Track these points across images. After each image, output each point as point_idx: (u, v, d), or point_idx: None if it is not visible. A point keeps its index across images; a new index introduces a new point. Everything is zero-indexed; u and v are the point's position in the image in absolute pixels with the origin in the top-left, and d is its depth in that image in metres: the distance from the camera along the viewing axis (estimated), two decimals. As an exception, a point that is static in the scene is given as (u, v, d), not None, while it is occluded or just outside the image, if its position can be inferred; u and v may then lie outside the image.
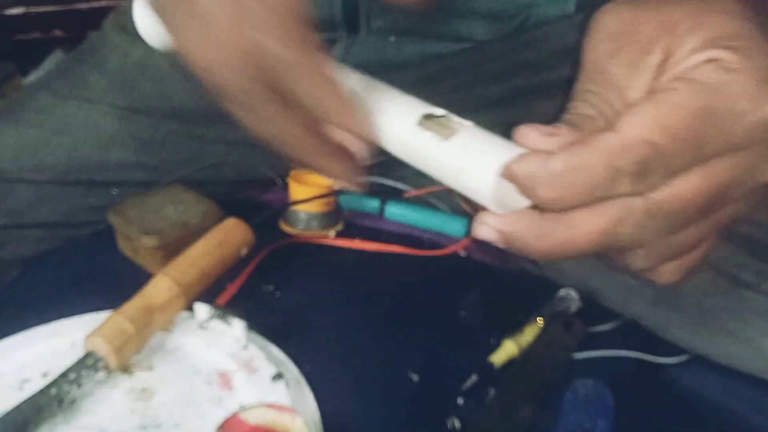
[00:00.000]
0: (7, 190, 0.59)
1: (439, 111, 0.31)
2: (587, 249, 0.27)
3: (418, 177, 0.67)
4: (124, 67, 0.63)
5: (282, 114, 0.32)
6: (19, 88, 1.30)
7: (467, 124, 0.30)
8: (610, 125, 0.26)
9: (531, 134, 0.28)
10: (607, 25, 0.30)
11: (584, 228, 0.27)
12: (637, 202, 0.26)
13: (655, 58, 0.29)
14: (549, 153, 0.26)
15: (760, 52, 0.27)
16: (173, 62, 0.62)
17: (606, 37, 0.30)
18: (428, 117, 0.31)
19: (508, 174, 0.27)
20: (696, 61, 0.27)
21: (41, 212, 0.59)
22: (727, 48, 0.27)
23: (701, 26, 0.28)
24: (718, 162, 0.27)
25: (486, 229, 0.28)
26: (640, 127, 0.26)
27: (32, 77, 1.23)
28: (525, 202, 0.28)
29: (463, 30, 0.57)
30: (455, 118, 0.31)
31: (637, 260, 0.29)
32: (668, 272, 0.30)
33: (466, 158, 0.29)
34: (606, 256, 0.30)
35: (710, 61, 0.27)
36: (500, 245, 0.28)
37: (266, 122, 0.32)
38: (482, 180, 0.28)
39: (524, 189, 0.27)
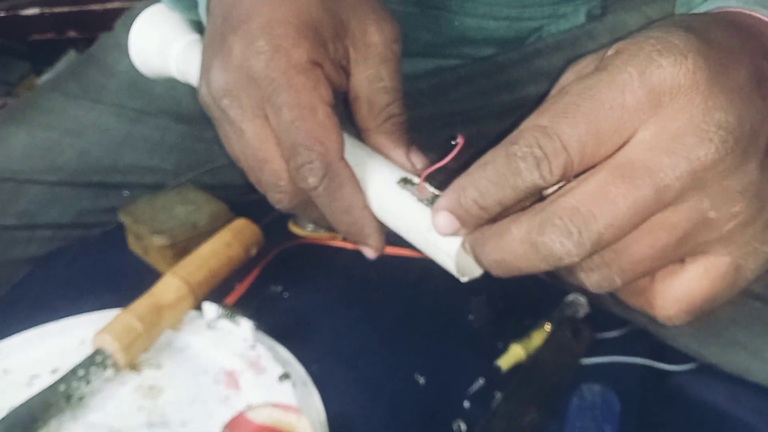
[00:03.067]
0: (18, 191, 0.60)
1: (416, 179, 0.35)
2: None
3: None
4: (135, 69, 0.64)
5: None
6: (33, 87, 1.32)
7: (439, 193, 0.33)
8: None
9: None
10: (579, 67, 0.32)
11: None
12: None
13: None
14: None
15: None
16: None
17: (573, 75, 0.32)
18: (405, 180, 0.35)
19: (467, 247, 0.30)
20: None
21: (52, 213, 0.60)
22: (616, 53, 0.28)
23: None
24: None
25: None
26: (531, 118, 0.29)
27: (46, 77, 1.25)
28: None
29: (474, 53, 0.57)
30: (429, 187, 0.34)
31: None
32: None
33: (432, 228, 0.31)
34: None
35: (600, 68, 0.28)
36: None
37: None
38: (446, 250, 0.32)
39: (457, 206, 0.29)
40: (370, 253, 0.38)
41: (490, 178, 0.28)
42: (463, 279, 0.33)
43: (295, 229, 0.61)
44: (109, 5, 1.05)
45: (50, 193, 0.60)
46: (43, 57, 1.32)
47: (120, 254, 0.57)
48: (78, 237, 0.61)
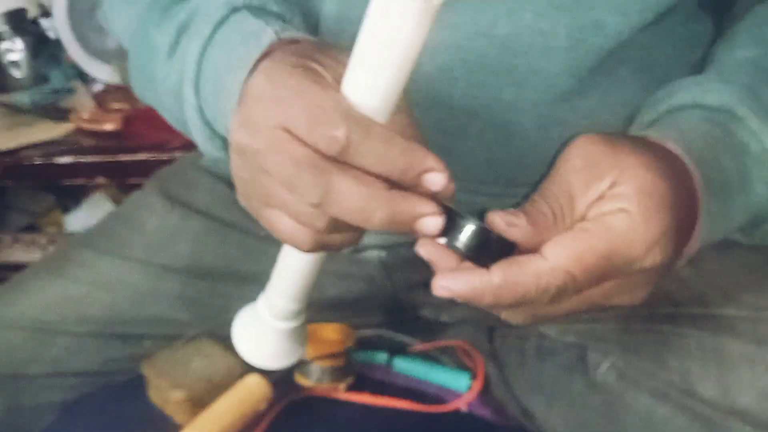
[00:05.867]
0: (49, 341, 0.65)
1: None
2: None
3: (425, 332, 0.73)
4: (161, 228, 0.70)
5: (353, 179, 0.35)
6: (58, 222, 1.40)
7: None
8: (541, 245, 0.37)
9: (497, 220, 0.37)
10: (582, 147, 0.40)
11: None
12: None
13: (603, 185, 0.38)
14: (490, 272, 0.37)
15: (663, 209, 0.38)
16: (207, 228, 0.69)
17: (578, 157, 0.39)
18: None
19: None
20: (613, 207, 0.38)
21: (79, 362, 0.65)
22: (638, 203, 0.37)
23: (630, 179, 0.38)
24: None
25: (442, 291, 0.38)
26: (564, 258, 0.37)
27: (73, 216, 1.33)
28: None
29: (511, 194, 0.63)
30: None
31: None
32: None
33: None
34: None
35: (623, 210, 0.37)
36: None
37: (337, 196, 0.35)
38: None
39: (473, 298, 0.37)
40: (439, 179, 0.36)
41: (517, 298, 0.37)
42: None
43: (300, 379, 0.66)
44: (137, 157, 1.14)
45: (78, 343, 0.65)
46: (68, 193, 1.41)
47: (141, 404, 0.62)
48: (102, 384, 0.66)
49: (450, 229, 0.37)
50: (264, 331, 0.48)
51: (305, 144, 0.35)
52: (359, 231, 0.40)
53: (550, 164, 0.41)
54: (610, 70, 0.54)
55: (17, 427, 0.64)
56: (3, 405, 0.63)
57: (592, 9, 0.51)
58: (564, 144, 0.41)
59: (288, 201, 0.37)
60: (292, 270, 0.45)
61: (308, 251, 0.40)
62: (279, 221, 0.39)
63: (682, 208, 0.39)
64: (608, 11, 0.51)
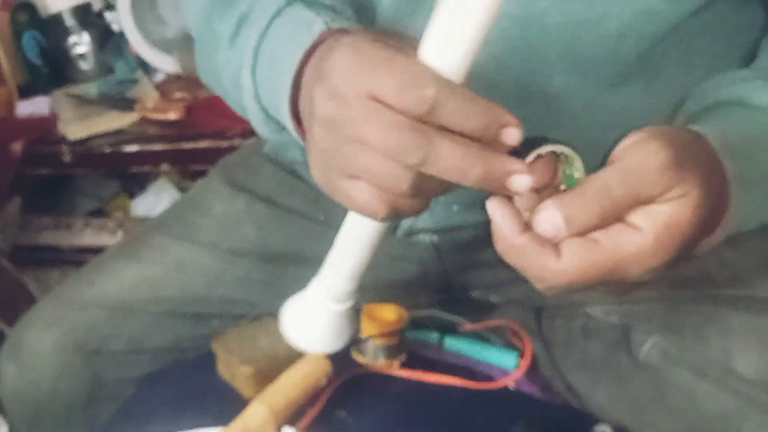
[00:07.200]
0: (127, 319, 0.70)
1: None
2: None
3: (474, 312, 0.76)
4: (228, 213, 0.74)
5: (449, 139, 0.37)
6: (124, 206, 1.46)
7: None
8: None
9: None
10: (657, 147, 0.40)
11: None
12: None
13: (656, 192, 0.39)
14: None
15: (676, 242, 0.40)
16: (271, 214, 0.73)
17: (651, 155, 0.39)
18: None
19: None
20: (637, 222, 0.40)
21: (154, 339, 0.70)
22: (656, 234, 0.39)
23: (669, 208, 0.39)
24: None
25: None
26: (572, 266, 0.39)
27: (138, 201, 1.39)
28: None
29: None
30: None
31: None
32: None
33: None
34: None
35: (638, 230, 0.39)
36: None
37: (438, 156, 0.37)
38: None
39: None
40: (516, 133, 0.38)
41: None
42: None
43: (357, 356, 0.70)
44: (198, 145, 1.20)
45: (153, 321, 0.71)
46: (133, 179, 1.48)
47: (211, 378, 0.67)
48: (174, 360, 0.71)
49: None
50: (318, 316, 0.51)
51: (396, 110, 0.37)
52: (436, 194, 0.41)
53: (610, 148, 0.42)
54: (657, 57, 0.55)
55: (101, 399, 0.70)
56: (88, 378, 0.69)
57: None
58: (622, 135, 0.42)
59: (374, 167, 0.38)
60: (353, 247, 0.48)
61: (383, 218, 0.41)
62: (358, 190, 0.40)
63: (703, 223, 0.41)
64: None
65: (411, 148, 0.37)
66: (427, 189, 0.39)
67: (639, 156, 0.39)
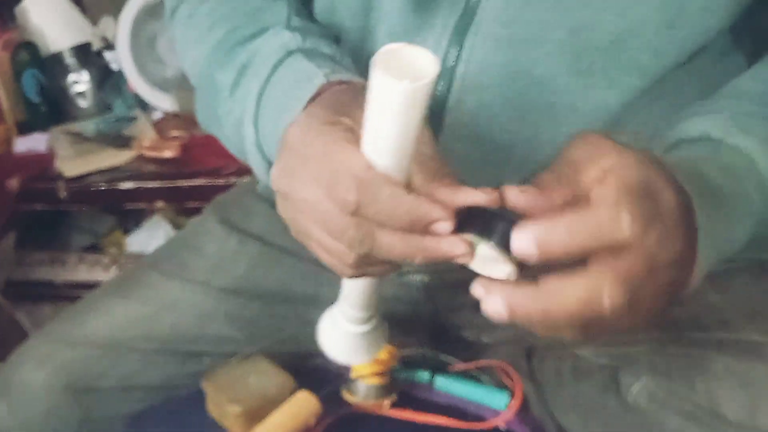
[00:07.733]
0: (119, 357, 0.70)
1: None
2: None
3: (465, 351, 0.76)
4: (221, 252, 0.74)
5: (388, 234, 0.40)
6: (119, 242, 1.47)
7: None
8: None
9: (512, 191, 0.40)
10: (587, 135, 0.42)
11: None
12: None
13: (605, 162, 0.40)
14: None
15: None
16: (263, 253, 0.74)
17: (583, 141, 0.42)
18: None
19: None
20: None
21: (146, 377, 0.70)
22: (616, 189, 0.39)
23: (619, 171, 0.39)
24: None
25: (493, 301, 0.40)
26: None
27: (133, 237, 1.40)
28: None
29: None
30: None
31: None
32: None
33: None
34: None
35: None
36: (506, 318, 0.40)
37: (378, 247, 0.41)
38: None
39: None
40: (445, 227, 0.40)
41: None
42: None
43: (348, 396, 0.70)
44: (194, 182, 1.21)
45: (145, 359, 0.71)
46: (128, 215, 1.48)
47: (200, 416, 0.67)
48: (164, 397, 0.71)
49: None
50: (339, 334, 0.55)
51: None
52: (392, 265, 0.44)
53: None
54: (643, 108, 0.57)
55: (90, 437, 0.70)
56: (78, 416, 0.69)
57: (628, 51, 0.54)
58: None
59: (323, 241, 0.42)
60: (352, 285, 0.51)
61: (349, 278, 0.45)
62: (321, 254, 0.44)
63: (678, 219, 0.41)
64: (643, 52, 0.54)
65: (354, 244, 0.41)
66: (378, 261, 0.42)
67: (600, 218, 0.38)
